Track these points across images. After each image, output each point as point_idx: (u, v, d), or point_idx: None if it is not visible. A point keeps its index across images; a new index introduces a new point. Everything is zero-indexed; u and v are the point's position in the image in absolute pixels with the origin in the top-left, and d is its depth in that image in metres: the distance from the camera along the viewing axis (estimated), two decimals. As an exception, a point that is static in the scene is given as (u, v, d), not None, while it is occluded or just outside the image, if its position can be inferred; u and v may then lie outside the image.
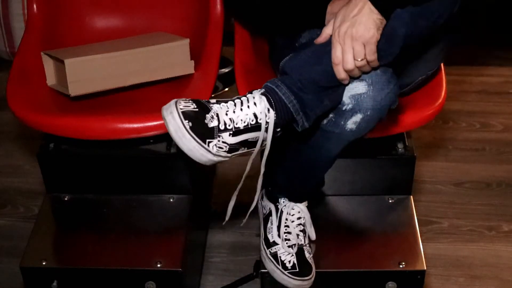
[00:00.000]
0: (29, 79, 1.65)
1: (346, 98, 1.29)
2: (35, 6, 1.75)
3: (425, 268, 1.50)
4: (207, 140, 1.19)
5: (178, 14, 1.83)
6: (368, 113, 1.28)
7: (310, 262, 1.48)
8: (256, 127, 1.23)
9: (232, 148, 1.22)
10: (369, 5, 1.21)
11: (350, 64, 1.23)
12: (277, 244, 1.48)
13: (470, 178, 2.16)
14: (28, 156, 2.26)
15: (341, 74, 1.24)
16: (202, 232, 1.91)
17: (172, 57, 1.65)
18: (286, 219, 1.51)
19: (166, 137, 1.62)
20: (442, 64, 1.61)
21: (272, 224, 1.51)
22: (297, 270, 1.45)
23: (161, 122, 1.49)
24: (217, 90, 2.56)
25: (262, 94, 1.24)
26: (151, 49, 1.63)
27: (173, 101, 1.21)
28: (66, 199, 1.68)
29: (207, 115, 1.20)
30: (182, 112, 1.18)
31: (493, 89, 2.57)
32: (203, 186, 1.90)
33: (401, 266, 1.50)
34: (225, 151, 1.22)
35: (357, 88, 1.28)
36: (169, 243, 1.57)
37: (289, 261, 1.46)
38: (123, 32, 1.82)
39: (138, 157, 1.63)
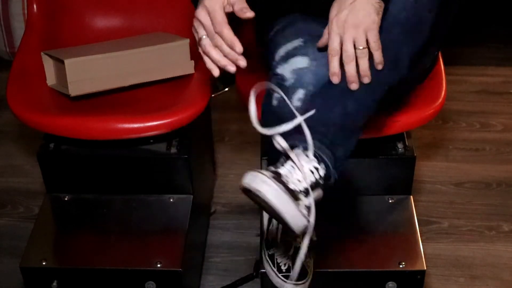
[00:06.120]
0: (29, 79, 1.64)
1: (287, 73, 1.26)
2: (35, 6, 1.75)
3: (425, 268, 1.50)
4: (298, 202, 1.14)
5: (178, 14, 1.83)
6: (311, 88, 1.25)
7: (306, 267, 1.46)
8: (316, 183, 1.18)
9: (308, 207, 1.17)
10: None
11: (350, 52, 1.17)
12: (275, 246, 1.47)
13: (470, 178, 2.16)
14: (28, 156, 2.26)
15: (335, 67, 1.19)
16: (202, 232, 1.91)
17: (172, 57, 1.65)
18: None
19: (166, 137, 1.63)
20: (442, 65, 1.61)
21: (273, 226, 1.51)
22: (291, 273, 1.44)
23: (161, 122, 1.50)
24: (217, 90, 2.55)
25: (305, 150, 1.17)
26: (151, 49, 1.63)
27: (255, 171, 1.11)
28: (66, 199, 1.68)
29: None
30: (274, 178, 1.10)
31: (493, 89, 2.57)
32: (203, 186, 1.90)
33: (401, 266, 1.50)
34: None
35: (298, 62, 1.24)
36: (169, 243, 1.57)
37: (285, 264, 1.45)
38: (123, 32, 1.82)
39: (138, 157, 1.63)
